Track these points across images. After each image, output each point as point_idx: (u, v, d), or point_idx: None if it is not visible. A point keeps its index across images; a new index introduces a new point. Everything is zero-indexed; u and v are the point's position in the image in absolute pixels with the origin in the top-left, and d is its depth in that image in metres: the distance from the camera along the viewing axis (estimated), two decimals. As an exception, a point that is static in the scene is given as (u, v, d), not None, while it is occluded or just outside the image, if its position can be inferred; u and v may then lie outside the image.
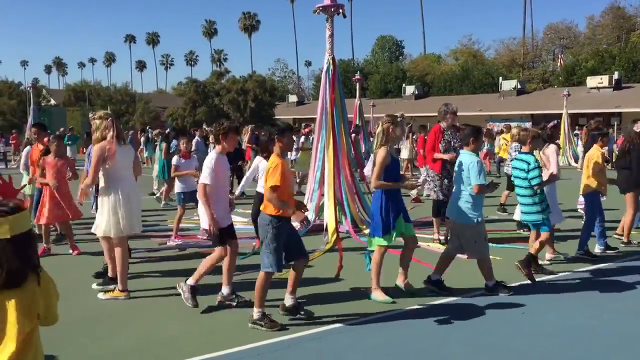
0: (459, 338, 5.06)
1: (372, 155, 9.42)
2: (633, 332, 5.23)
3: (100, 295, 6.15)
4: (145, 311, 5.82)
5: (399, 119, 6.16)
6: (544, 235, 6.87)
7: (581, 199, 8.26)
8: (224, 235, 5.77)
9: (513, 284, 6.48)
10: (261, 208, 5.34)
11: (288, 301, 5.52)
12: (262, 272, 5.28)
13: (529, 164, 6.79)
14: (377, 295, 5.99)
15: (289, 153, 7.95)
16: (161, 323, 5.46)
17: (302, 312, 5.52)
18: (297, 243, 5.45)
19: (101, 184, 6.12)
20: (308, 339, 5.06)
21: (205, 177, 5.67)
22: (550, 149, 7.69)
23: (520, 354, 4.76)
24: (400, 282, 6.25)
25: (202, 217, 5.79)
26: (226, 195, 6.00)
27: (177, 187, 9.35)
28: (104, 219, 6.07)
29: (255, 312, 5.24)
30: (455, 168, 6.37)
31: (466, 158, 6.21)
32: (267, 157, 7.68)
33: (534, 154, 7.07)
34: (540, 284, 6.70)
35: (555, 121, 7.91)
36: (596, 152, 8.11)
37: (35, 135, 9.29)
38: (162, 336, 5.14)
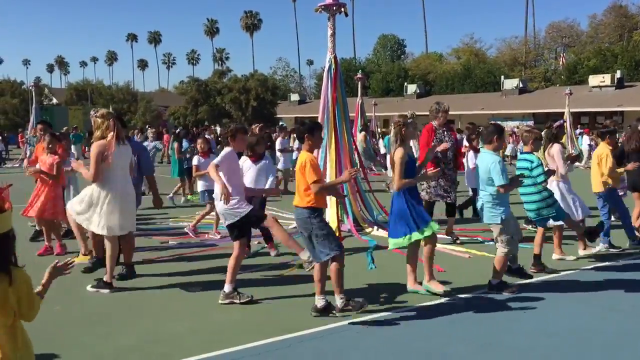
0: (462, 337, 5.05)
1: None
2: (635, 331, 5.22)
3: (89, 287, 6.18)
4: (147, 309, 5.82)
5: (409, 119, 6.10)
6: (567, 223, 7.13)
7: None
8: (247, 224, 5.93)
9: (516, 282, 6.47)
10: (295, 203, 5.49)
11: (319, 302, 5.46)
12: (332, 264, 5.34)
13: (532, 162, 6.83)
14: (432, 285, 5.94)
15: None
16: (163, 321, 5.46)
17: (333, 312, 5.48)
18: None
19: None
20: (310, 337, 5.05)
21: (217, 160, 5.86)
22: (555, 148, 7.70)
23: (523, 352, 4.74)
24: (411, 285, 6.11)
25: (225, 217, 5.89)
26: (241, 189, 6.07)
27: (201, 185, 9.56)
28: (96, 215, 6.11)
29: (338, 300, 5.39)
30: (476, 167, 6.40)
31: (486, 158, 6.16)
32: (252, 157, 7.62)
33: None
34: (542, 283, 6.69)
35: (561, 121, 7.94)
36: (605, 150, 8.16)
37: (41, 132, 9.25)
38: (164, 334, 5.13)
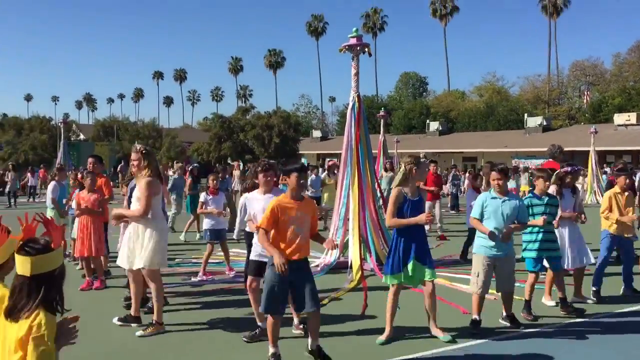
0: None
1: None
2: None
3: (139, 333, 6.11)
4: (168, 346, 5.78)
5: (422, 159, 6.12)
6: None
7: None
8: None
9: (526, 330, 6.33)
10: None
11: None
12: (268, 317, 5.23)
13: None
14: (383, 336, 5.87)
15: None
16: (184, 358, 5.43)
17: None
18: None
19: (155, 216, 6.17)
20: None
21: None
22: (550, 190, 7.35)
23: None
24: (434, 331, 5.98)
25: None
26: None
27: (206, 223, 9.42)
28: (152, 251, 6.09)
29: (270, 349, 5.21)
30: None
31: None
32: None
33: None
34: (556, 327, 6.51)
35: (572, 167, 7.52)
36: (610, 192, 7.91)
37: (91, 166, 9.15)
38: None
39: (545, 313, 6.94)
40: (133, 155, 6.26)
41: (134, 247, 6.11)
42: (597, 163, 26.54)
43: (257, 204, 6.04)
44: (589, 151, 26.44)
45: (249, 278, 6.02)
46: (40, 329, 2.52)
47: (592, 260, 7.59)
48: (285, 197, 5.20)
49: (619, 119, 43.20)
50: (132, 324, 6.31)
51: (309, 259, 9.58)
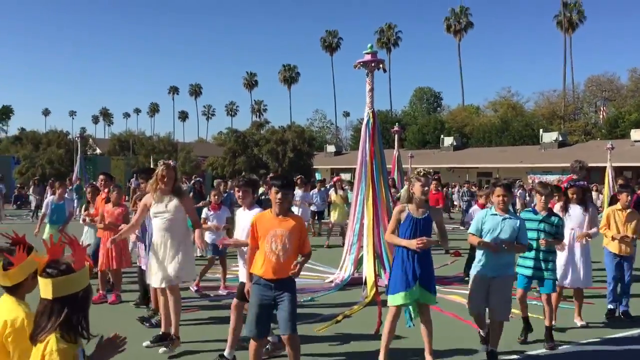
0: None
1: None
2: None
3: (162, 350, 6.04)
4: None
5: (421, 175, 5.84)
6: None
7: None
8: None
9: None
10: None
11: None
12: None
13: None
14: None
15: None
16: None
17: None
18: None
19: (184, 231, 6.23)
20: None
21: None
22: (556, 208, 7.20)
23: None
24: (427, 358, 5.55)
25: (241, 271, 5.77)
26: None
27: (207, 237, 9.50)
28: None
29: None
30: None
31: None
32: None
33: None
34: (595, 350, 6.41)
35: (568, 182, 7.37)
36: (609, 209, 7.83)
37: (102, 183, 9.23)
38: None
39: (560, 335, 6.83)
40: (166, 171, 6.09)
41: (166, 262, 6.08)
42: (614, 179, 26.22)
43: (238, 221, 5.99)
44: (605, 167, 26.18)
45: (234, 300, 5.80)
46: (52, 357, 2.45)
47: (585, 284, 7.27)
48: (269, 212, 4.97)
49: (636, 134, 42.79)
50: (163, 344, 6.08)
51: (324, 275, 9.59)
